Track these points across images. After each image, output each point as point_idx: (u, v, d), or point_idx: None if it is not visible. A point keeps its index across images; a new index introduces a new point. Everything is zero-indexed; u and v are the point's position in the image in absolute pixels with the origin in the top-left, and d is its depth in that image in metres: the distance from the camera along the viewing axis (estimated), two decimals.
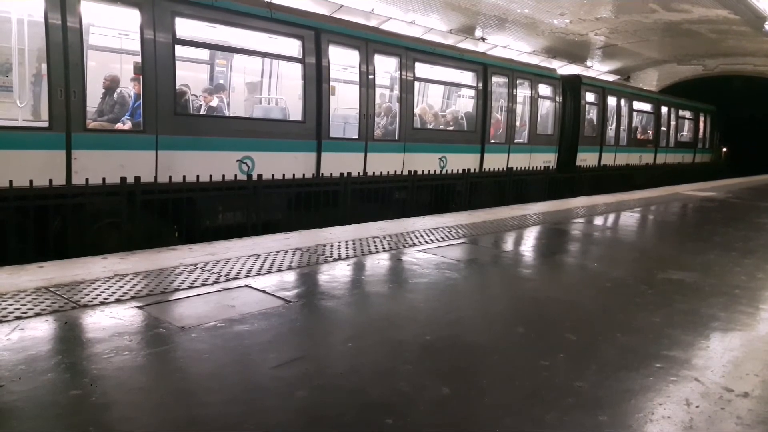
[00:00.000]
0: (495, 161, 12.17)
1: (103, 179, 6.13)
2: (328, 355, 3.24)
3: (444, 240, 6.39)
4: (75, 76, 6.17)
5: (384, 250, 5.75)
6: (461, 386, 2.88)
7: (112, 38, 8.26)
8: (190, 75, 8.86)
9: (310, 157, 8.60)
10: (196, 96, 8.26)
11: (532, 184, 12.84)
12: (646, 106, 19.04)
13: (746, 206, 12.21)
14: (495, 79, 12.18)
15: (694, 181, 17.61)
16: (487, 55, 13.51)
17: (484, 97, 11.80)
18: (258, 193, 7.41)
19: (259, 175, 7.49)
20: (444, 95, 13.36)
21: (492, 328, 3.88)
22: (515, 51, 18.51)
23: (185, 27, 7.31)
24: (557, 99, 14.11)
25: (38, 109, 6.94)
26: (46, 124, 6.13)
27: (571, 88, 14.64)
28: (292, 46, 8.55)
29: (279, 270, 4.77)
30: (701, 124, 23.27)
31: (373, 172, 9.36)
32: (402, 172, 9.84)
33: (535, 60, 18.39)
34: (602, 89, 16.04)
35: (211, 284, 4.26)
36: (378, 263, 5.35)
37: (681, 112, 21.73)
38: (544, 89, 13.76)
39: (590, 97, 15.38)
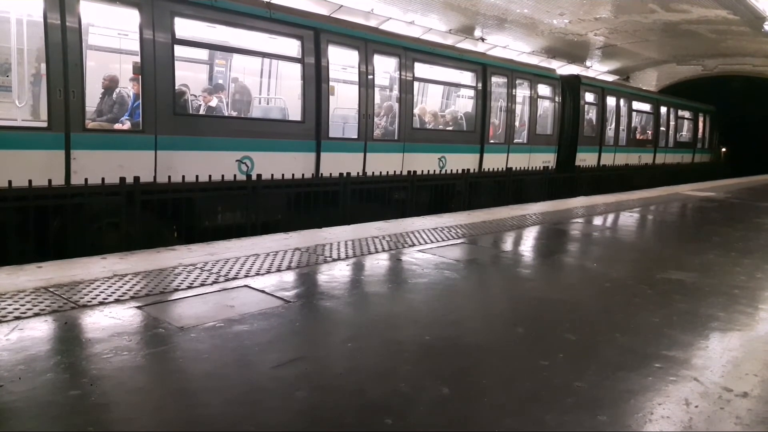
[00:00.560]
0: (494, 161, 12.17)
1: (102, 179, 6.13)
2: (328, 356, 3.24)
3: (443, 240, 6.39)
4: (74, 76, 6.17)
5: (383, 250, 5.75)
6: (461, 386, 2.88)
7: (112, 38, 8.27)
8: (190, 75, 8.86)
9: (309, 157, 8.60)
10: (195, 96, 8.26)
11: (532, 184, 12.85)
12: (646, 107, 19.03)
13: (745, 206, 12.21)
14: (494, 79, 12.18)
15: (694, 181, 17.62)
16: (487, 55, 13.51)
17: (483, 97, 11.80)
18: (257, 193, 7.42)
19: (259, 175, 7.50)
20: (443, 95, 13.37)
21: (492, 328, 3.88)
22: (514, 51, 18.51)
23: (184, 27, 7.32)
24: (556, 99, 14.11)
25: (37, 109, 6.94)
26: (45, 124, 6.13)
27: (570, 89, 14.64)
28: (291, 46, 8.55)
29: (278, 270, 4.77)
30: (700, 125, 23.27)
31: (373, 172, 9.36)
32: (401, 172, 9.84)
33: (534, 60, 18.40)
34: (601, 89, 16.04)
35: (211, 284, 4.26)
36: (377, 263, 5.35)
37: (680, 113, 21.73)
38: (544, 89, 13.76)
39: (589, 97, 15.38)
